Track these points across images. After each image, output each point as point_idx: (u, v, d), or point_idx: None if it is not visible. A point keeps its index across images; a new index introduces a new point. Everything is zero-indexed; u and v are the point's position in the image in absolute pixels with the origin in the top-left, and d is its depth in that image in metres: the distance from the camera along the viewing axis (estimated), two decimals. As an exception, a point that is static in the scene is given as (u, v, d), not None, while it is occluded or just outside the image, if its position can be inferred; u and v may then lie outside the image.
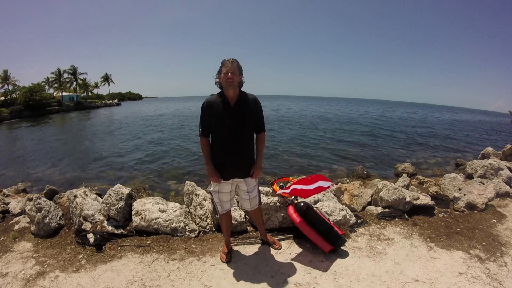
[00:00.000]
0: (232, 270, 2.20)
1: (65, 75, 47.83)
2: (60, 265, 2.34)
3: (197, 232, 2.78)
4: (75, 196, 3.06)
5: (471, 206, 3.41)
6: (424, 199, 3.35)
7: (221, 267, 2.25)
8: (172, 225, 2.74)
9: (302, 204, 2.56)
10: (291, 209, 2.60)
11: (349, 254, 2.40)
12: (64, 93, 45.73)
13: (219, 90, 2.08)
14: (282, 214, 2.79)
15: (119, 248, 2.54)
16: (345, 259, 2.33)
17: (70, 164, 8.17)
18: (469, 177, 4.97)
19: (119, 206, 2.88)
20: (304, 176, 2.55)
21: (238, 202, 2.87)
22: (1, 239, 2.87)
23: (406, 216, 3.12)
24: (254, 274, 2.14)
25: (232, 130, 1.99)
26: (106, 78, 68.79)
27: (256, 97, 2.10)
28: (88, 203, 3.01)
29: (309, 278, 2.09)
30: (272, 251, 2.45)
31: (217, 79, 2.03)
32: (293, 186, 2.53)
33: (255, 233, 2.75)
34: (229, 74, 1.92)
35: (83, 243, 2.62)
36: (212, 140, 2.12)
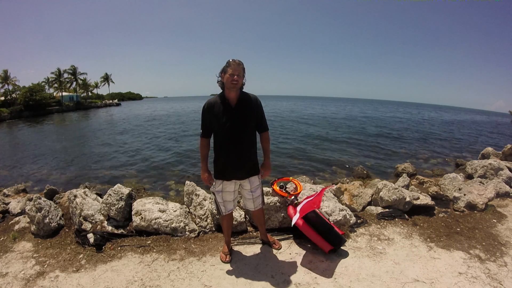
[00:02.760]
0: (232, 270, 2.20)
1: (65, 75, 47.87)
2: (60, 265, 2.34)
3: (197, 232, 2.78)
4: (75, 196, 3.06)
5: (471, 206, 3.41)
6: (424, 199, 3.35)
7: (221, 267, 2.25)
8: (172, 225, 2.74)
9: (302, 204, 2.56)
10: (291, 209, 2.60)
11: (349, 254, 2.40)
12: (64, 93, 45.72)
13: (220, 90, 2.08)
14: (282, 214, 2.79)
15: (119, 248, 2.54)
16: (345, 259, 2.33)
17: (70, 164, 8.17)
18: (469, 177, 4.97)
19: (119, 206, 2.88)
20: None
21: (238, 202, 2.87)
22: (1, 239, 2.87)
23: (406, 216, 3.12)
24: (254, 274, 2.14)
25: (233, 130, 1.99)
26: (106, 78, 68.80)
27: (257, 96, 2.10)
28: (88, 203, 3.01)
29: (309, 278, 2.09)
30: (272, 251, 2.45)
31: (220, 78, 2.02)
32: (299, 207, 2.36)
33: (255, 233, 2.75)
34: (235, 76, 1.92)
35: (83, 243, 2.62)
36: (214, 142, 2.12)
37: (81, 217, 2.89)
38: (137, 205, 2.91)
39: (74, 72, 49.43)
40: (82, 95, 55.02)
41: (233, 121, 1.98)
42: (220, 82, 2.03)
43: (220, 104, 2.01)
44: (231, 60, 1.97)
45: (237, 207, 2.88)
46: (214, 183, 2.17)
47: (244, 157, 2.07)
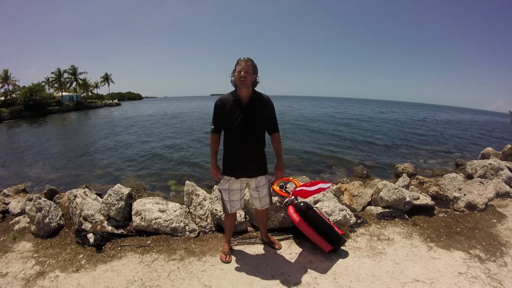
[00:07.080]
0: (232, 270, 2.20)
1: (65, 75, 47.87)
2: (60, 265, 2.34)
3: (197, 232, 2.78)
4: (75, 196, 3.06)
5: (471, 206, 3.41)
6: (424, 199, 3.35)
7: (221, 267, 2.25)
8: (172, 225, 2.74)
9: (302, 204, 2.56)
10: (291, 209, 2.60)
11: (349, 254, 2.40)
12: (64, 93, 45.73)
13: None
14: (282, 214, 2.79)
15: (119, 248, 2.54)
16: (345, 259, 2.33)
17: (70, 164, 8.17)
18: (469, 177, 4.97)
19: (119, 206, 2.88)
20: (306, 181, 2.57)
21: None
22: (1, 239, 2.87)
23: (406, 216, 3.12)
24: (254, 274, 2.14)
25: (242, 128, 2.01)
26: (106, 78, 68.81)
27: (270, 98, 2.12)
28: (88, 203, 3.01)
29: (309, 278, 2.09)
30: (272, 251, 2.45)
31: (232, 78, 2.06)
32: (296, 189, 2.53)
33: (255, 233, 2.75)
34: (242, 72, 1.95)
35: (83, 243, 2.62)
36: (224, 139, 2.15)
37: (81, 217, 2.89)
38: (137, 205, 2.91)
39: (74, 72, 49.41)
40: (82, 95, 55.02)
41: (243, 119, 2.00)
42: (232, 81, 2.07)
43: (231, 102, 2.04)
44: (240, 58, 2.01)
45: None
46: (221, 180, 2.20)
47: (252, 155, 2.08)
